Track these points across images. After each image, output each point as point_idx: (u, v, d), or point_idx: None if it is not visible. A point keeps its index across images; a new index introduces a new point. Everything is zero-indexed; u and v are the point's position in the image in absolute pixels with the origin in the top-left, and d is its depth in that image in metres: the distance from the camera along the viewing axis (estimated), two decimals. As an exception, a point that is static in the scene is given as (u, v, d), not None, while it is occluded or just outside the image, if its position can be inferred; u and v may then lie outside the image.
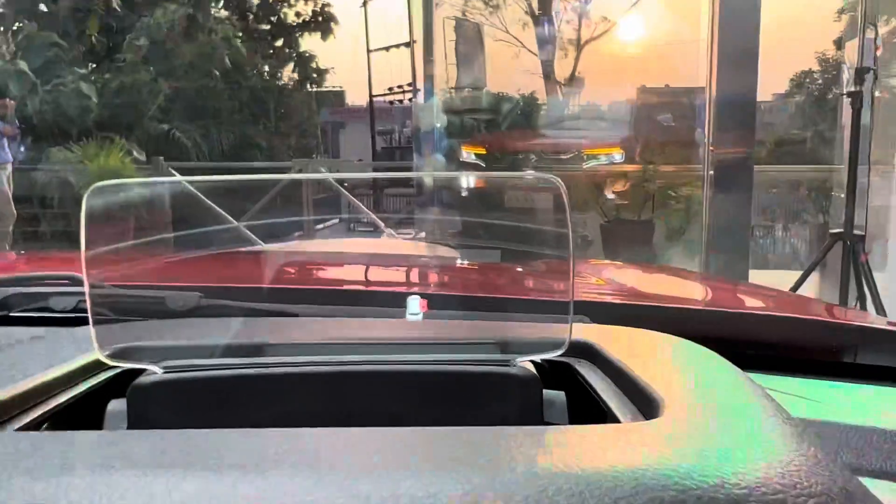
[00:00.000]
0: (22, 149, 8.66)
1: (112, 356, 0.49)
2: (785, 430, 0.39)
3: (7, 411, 0.42)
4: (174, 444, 0.35)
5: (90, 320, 0.48)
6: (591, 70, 11.01)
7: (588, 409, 0.49)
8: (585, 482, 0.28)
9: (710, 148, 4.52)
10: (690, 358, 0.55)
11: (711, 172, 4.54)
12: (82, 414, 0.48)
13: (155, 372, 0.48)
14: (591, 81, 10.65)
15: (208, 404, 0.50)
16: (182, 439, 0.35)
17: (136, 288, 0.86)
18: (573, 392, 0.53)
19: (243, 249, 1.72)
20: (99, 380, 0.51)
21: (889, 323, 1.16)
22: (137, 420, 0.47)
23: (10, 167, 7.38)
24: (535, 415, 0.50)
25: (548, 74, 10.39)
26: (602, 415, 0.45)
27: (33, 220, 8.34)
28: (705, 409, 0.41)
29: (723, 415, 0.41)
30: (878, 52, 3.68)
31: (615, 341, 0.56)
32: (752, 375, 0.55)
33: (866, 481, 0.38)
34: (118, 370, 0.53)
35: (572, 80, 10.68)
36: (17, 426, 0.42)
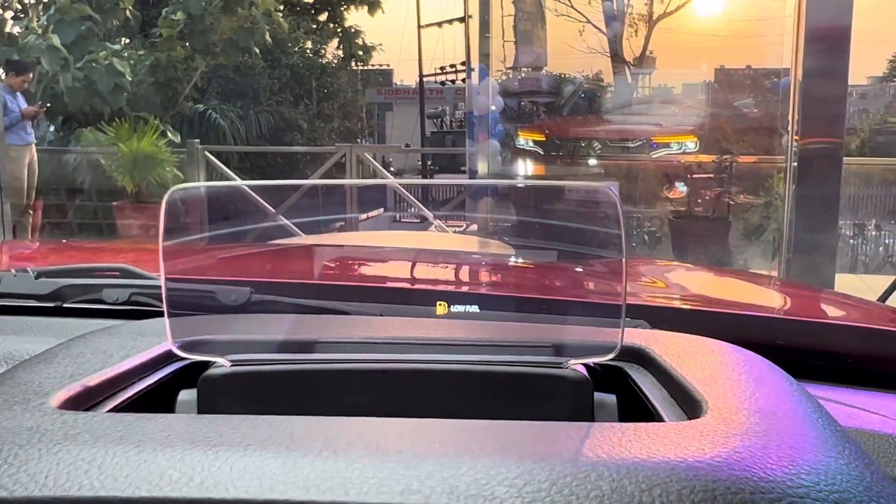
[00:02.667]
0: (51, 128, 8.23)
1: (182, 348, 0.51)
2: (825, 436, 0.41)
3: (97, 396, 0.47)
4: (256, 427, 0.37)
5: (165, 313, 0.51)
6: (664, 49, 10.20)
7: (638, 412, 0.51)
8: (625, 470, 0.31)
9: (795, 137, 4.19)
10: (742, 364, 0.56)
11: (795, 164, 4.20)
12: (154, 403, 0.50)
13: (223, 365, 0.50)
14: (664, 62, 9.83)
15: (272, 396, 0.52)
16: (262, 423, 0.38)
17: (192, 282, 0.87)
18: (624, 395, 0.54)
19: (291, 243, 1.77)
20: (169, 370, 0.55)
21: None
22: (207, 409, 0.49)
23: (33, 149, 6.91)
24: (585, 416, 0.51)
25: (615, 54, 9.12)
26: (650, 417, 0.47)
27: (59, 209, 7.91)
28: (749, 412, 0.43)
29: (764, 419, 0.43)
30: None
31: (669, 346, 0.59)
32: (811, 385, 0.62)
33: None
34: (186, 362, 0.55)
35: (642, 60, 9.55)
36: (107, 409, 0.46)
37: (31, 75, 7.32)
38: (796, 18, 4.03)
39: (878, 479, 0.34)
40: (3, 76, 7.18)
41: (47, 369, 0.50)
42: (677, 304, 1.13)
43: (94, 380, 0.46)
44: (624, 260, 0.51)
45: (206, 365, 0.51)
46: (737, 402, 0.44)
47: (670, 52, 11.07)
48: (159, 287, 0.61)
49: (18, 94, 6.73)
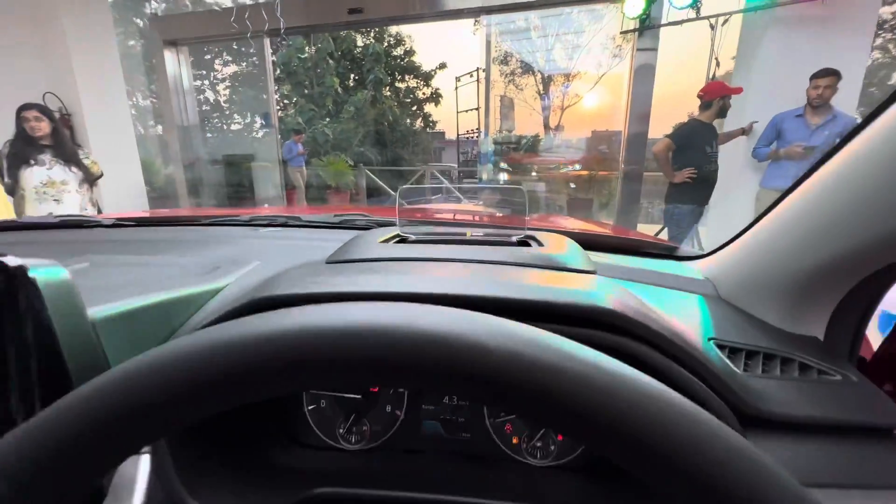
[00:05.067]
0: (303, 160, 9.45)
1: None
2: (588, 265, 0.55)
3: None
4: None
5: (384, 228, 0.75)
6: (568, 121, 12.78)
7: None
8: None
9: (622, 164, 4.97)
10: (572, 244, 0.67)
11: (621, 176, 4.97)
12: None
13: None
14: (568, 127, 12.60)
15: None
16: None
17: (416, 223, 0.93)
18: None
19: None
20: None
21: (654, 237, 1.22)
22: None
23: (304, 168, 8.28)
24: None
25: (546, 124, 12.60)
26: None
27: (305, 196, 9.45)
28: (564, 254, 0.55)
29: (571, 259, 0.55)
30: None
31: (544, 237, 0.69)
32: (594, 253, 0.73)
33: None
34: None
35: (557, 127, 12.54)
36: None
37: (302, 136, 8.62)
38: (625, 107, 4.79)
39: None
40: (293, 136, 8.28)
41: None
42: (552, 227, 1.05)
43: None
44: (526, 214, 0.66)
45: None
46: (559, 254, 0.56)
47: (571, 123, 12.72)
48: (386, 221, 0.86)
49: (299, 143, 8.00)
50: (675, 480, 0.16)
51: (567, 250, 0.63)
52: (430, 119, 14.91)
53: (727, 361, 0.46)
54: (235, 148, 10.61)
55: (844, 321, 0.52)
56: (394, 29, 12.85)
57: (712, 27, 4.61)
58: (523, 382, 0.18)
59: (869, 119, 0.42)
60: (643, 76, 4.64)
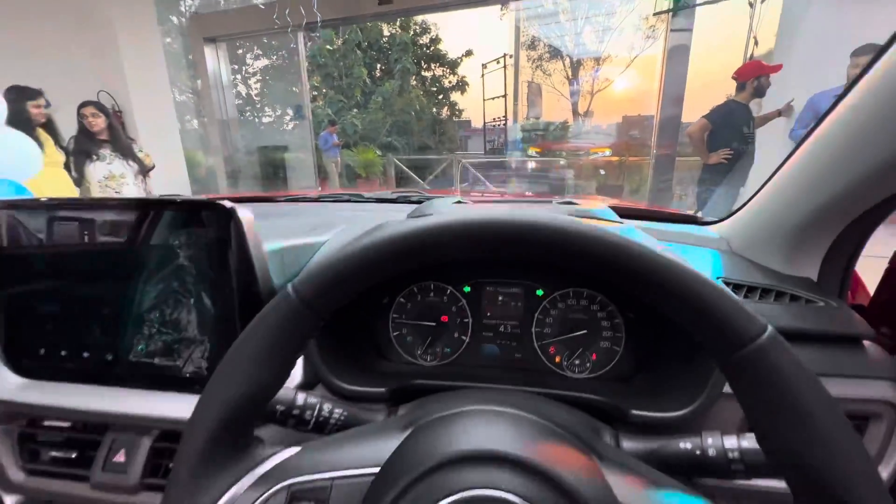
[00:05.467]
0: (338, 151, 9.36)
1: None
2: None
3: None
4: None
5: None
6: (598, 107, 12.76)
7: None
8: None
9: (653, 148, 5.10)
10: (604, 206, 0.73)
11: (653, 161, 5.12)
12: None
13: None
14: (598, 113, 12.58)
15: None
16: None
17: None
18: None
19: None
20: None
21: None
22: None
23: (339, 158, 8.63)
24: None
25: (574, 109, 12.50)
26: None
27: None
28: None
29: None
30: None
31: (581, 200, 0.76)
32: (629, 221, 0.77)
33: None
34: None
35: (586, 112, 12.51)
36: None
37: (336, 126, 9.05)
38: (658, 91, 4.83)
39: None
40: (328, 127, 8.63)
41: None
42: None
43: None
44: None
45: None
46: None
47: (601, 108, 12.60)
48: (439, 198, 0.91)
49: (333, 134, 8.40)
50: (687, 309, 0.27)
51: (600, 207, 0.75)
52: (456, 108, 14.95)
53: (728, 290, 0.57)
54: (268, 140, 10.89)
55: (834, 262, 0.61)
56: (419, 17, 12.88)
57: (751, 4, 4.48)
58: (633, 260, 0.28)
59: (861, 75, 0.49)
60: (677, 58, 4.58)
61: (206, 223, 0.54)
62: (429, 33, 14.11)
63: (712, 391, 0.48)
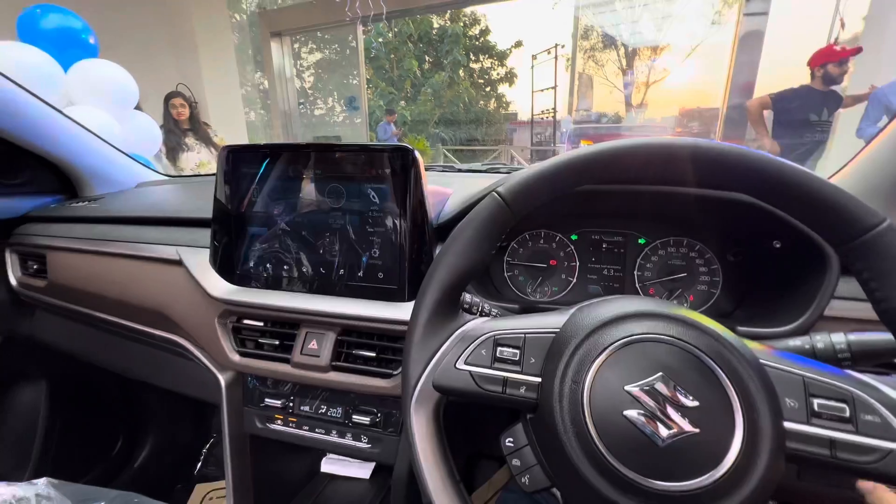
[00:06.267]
0: (396, 140, 8.68)
1: None
2: None
3: None
4: None
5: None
6: (653, 99, 12.19)
7: None
8: None
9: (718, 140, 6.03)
10: None
11: None
12: None
13: None
14: (652, 106, 11.99)
15: None
16: None
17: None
18: None
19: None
20: None
21: None
22: None
23: None
24: None
25: (627, 102, 12.03)
26: None
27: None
28: None
29: None
30: None
31: None
32: None
33: None
34: None
35: (640, 105, 12.01)
36: None
37: (395, 116, 8.82)
38: (726, 80, 4.55)
39: None
40: (386, 117, 8.57)
41: None
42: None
43: None
44: None
45: None
46: None
47: (656, 101, 12.09)
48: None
49: (391, 124, 8.24)
50: (819, 209, 0.33)
51: None
52: (504, 100, 14.90)
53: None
54: (322, 130, 11.35)
55: None
56: (468, 8, 12.82)
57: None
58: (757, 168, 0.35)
59: None
60: (750, 44, 4.30)
61: (392, 165, 0.63)
62: (478, 24, 13.98)
63: (818, 306, 0.50)
